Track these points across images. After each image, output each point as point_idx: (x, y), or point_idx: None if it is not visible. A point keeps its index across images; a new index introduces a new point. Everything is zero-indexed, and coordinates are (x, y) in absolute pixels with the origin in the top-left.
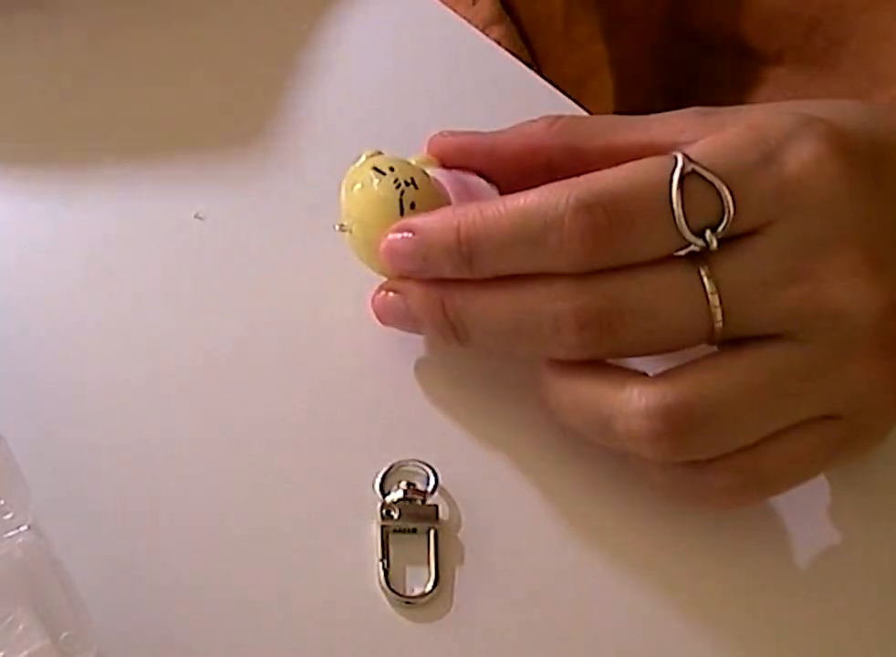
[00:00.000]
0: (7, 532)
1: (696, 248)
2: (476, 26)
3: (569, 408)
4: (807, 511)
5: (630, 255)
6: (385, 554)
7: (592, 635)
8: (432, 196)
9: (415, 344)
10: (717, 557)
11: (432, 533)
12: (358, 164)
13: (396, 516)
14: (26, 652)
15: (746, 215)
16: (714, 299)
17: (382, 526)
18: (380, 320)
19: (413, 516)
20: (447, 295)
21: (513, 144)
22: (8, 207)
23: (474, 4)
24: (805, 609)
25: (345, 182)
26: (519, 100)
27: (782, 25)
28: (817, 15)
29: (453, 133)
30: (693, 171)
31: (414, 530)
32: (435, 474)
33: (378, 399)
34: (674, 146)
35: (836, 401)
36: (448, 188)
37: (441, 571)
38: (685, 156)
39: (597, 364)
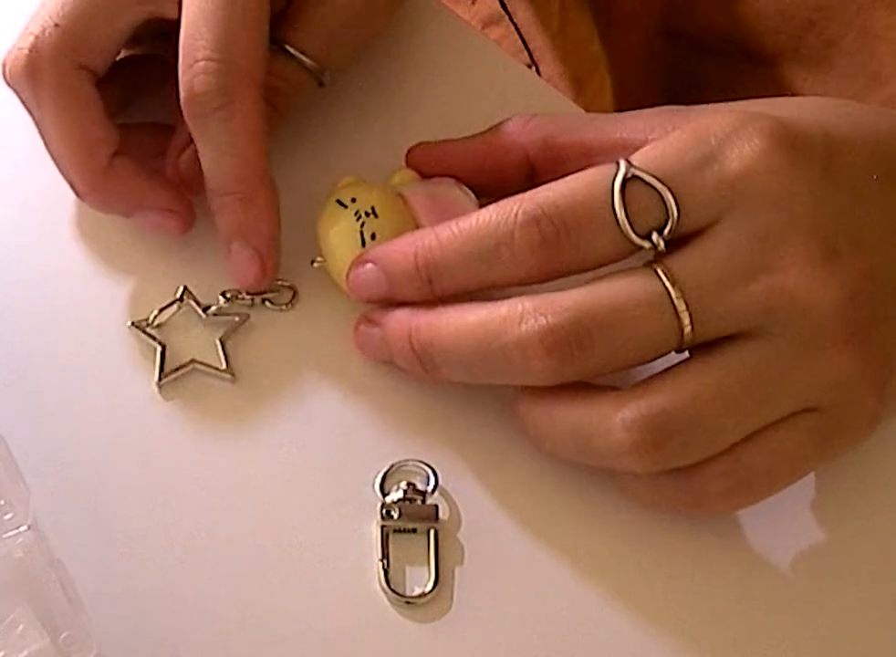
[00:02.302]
0: (7, 532)
1: (648, 253)
2: (475, 26)
3: (548, 434)
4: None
5: (582, 261)
6: (385, 554)
7: (592, 635)
8: (394, 222)
9: None
10: (717, 556)
11: (431, 533)
12: (328, 197)
13: (396, 515)
14: (25, 652)
15: (692, 215)
16: (680, 303)
17: (382, 526)
18: (361, 352)
19: (413, 516)
20: (414, 328)
21: (487, 144)
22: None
23: (473, 3)
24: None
25: (319, 216)
26: (519, 101)
27: (777, 25)
28: (812, 16)
29: (428, 144)
30: (634, 175)
31: (414, 530)
32: (435, 474)
33: (378, 399)
34: (644, 143)
35: (812, 392)
36: (420, 205)
37: (441, 571)
38: (627, 162)
39: (569, 386)
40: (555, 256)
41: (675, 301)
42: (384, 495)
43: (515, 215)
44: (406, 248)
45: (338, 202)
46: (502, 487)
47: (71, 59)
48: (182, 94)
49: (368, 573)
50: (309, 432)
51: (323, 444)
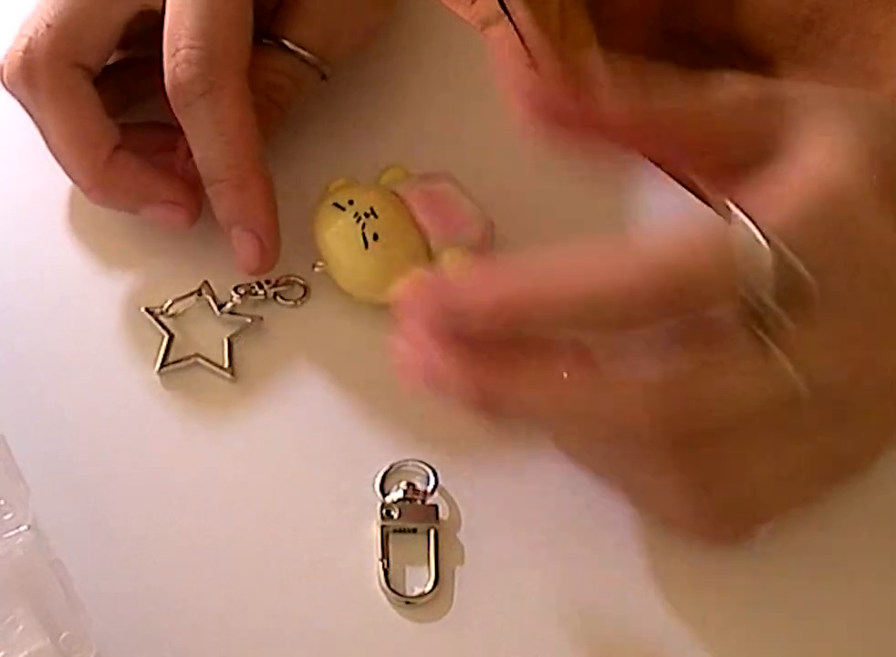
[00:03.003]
0: (7, 532)
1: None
2: (475, 26)
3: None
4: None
5: (688, 310)
6: (385, 554)
7: (592, 635)
8: (394, 221)
9: None
10: (721, 556)
11: (432, 533)
12: (322, 200)
13: (396, 515)
14: (25, 652)
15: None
16: (791, 373)
17: (382, 526)
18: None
19: (413, 516)
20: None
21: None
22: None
23: (472, 3)
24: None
25: (314, 219)
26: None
27: (776, 25)
28: (812, 16)
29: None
30: (774, 248)
31: (414, 530)
32: (435, 474)
33: (378, 399)
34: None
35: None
36: (416, 202)
37: (441, 571)
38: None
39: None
40: (663, 309)
41: (788, 375)
42: (384, 495)
43: (631, 262)
44: (501, 283)
45: (335, 204)
46: (502, 487)
47: (65, 58)
48: (166, 84)
49: (368, 573)
50: (309, 433)
51: (323, 445)
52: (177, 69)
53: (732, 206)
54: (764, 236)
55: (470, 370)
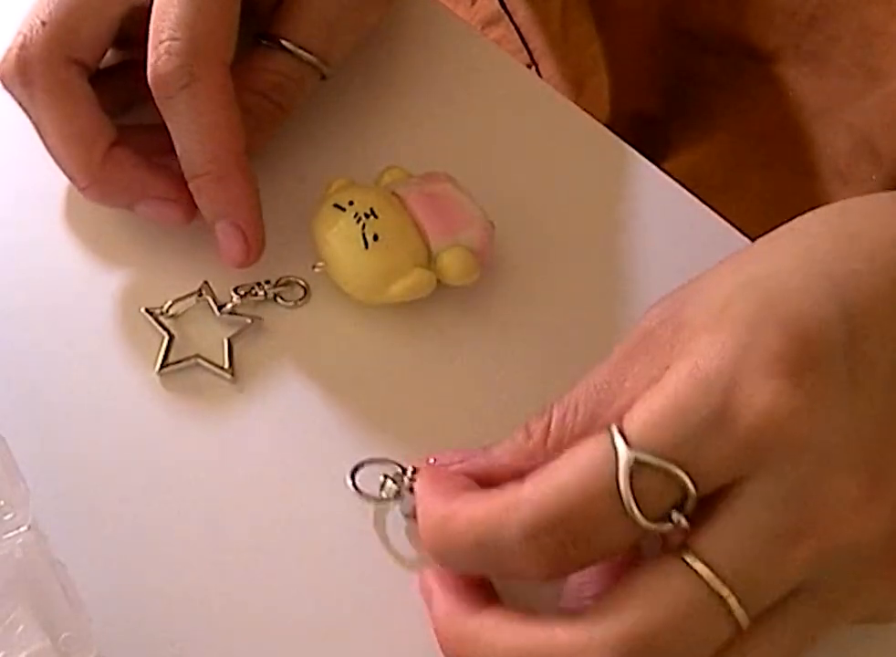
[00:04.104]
0: (7, 532)
1: (682, 527)
2: (475, 26)
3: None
4: None
5: (593, 559)
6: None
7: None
8: (394, 222)
9: (416, 345)
10: None
11: None
12: (322, 201)
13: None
14: (25, 653)
15: (710, 484)
16: (730, 599)
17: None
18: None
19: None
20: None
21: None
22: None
23: (472, 4)
24: None
25: (314, 220)
26: (518, 101)
27: (780, 21)
28: (815, 13)
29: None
30: (638, 461)
31: None
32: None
33: (378, 399)
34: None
35: (854, 618)
36: (416, 203)
37: None
38: (625, 441)
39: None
40: (562, 564)
41: (727, 599)
42: (385, 497)
43: (510, 529)
44: (422, 521)
45: (336, 205)
46: None
47: (60, 55)
48: (148, 76)
49: (369, 572)
50: (309, 433)
51: (323, 445)
52: (159, 61)
53: (610, 426)
54: (629, 448)
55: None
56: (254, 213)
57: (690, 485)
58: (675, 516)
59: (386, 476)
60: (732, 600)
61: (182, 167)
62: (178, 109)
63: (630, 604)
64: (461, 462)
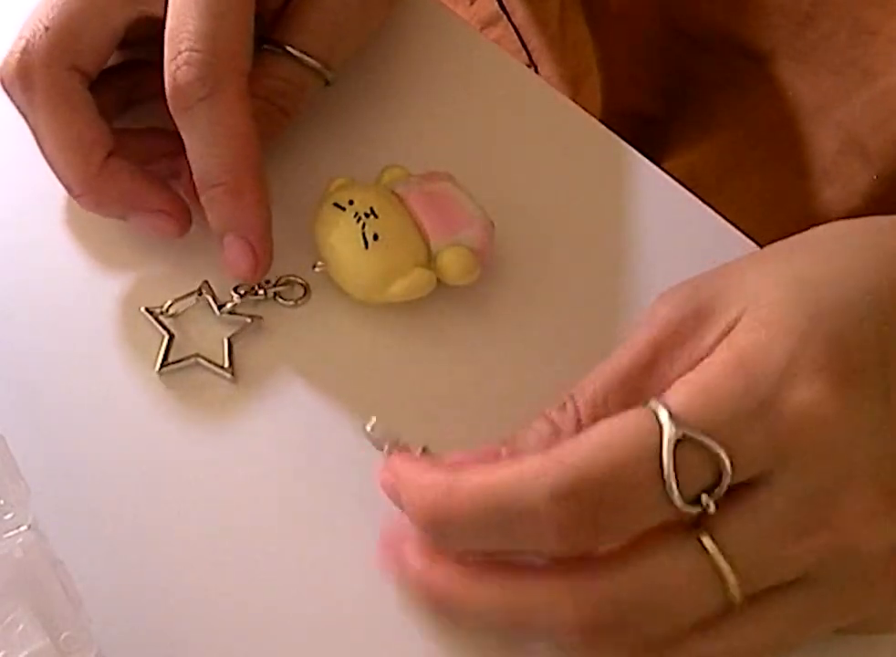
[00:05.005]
0: (7, 532)
1: (710, 512)
2: (475, 27)
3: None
4: None
5: (614, 538)
6: None
7: None
8: (394, 221)
9: (415, 348)
10: None
11: None
12: (322, 200)
13: None
14: (25, 652)
15: (744, 472)
16: (731, 577)
17: None
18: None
19: None
20: (432, 580)
21: None
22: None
23: (471, 4)
24: None
25: (314, 219)
26: (518, 100)
27: (776, 20)
28: (810, 11)
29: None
30: (684, 435)
31: None
32: None
33: (378, 398)
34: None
35: (848, 622)
36: (417, 202)
37: None
38: (672, 418)
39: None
40: (586, 535)
41: (727, 576)
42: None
43: (541, 488)
44: (419, 494)
45: (336, 204)
46: None
47: (62, 61)
48: (166, 87)
49: (370, 571)
50: (309, 433)
51: (323, 444)
52: (178, 72)
53: (651, 402)
54: (676, 424)
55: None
56: (265, 228)
57: (728, 468)
58: (705, 499)
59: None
60: (731, 576)
61: (196, 178)
62: (196, 121)
63: (632, 562)
64: (488, 461)
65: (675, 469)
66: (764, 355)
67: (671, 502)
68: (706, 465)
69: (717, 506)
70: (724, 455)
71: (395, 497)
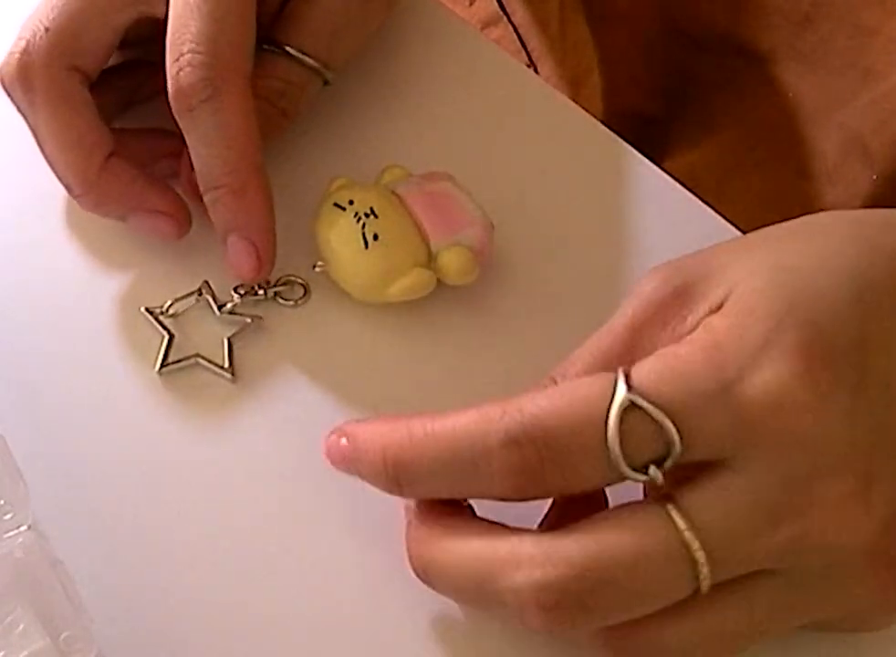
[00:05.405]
0: (7, 532)
1: (657, 483)
2: (475, 26)
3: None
4: None
5: (564, 488)
6: None
7: None
8: (394, 221)
9: (416, 349)
10: None
11: None
12: (322, 200)
13: None
14: (25, 652)
15: (700, 449)
16: (699, 554)
17: None
18: (330, 463)
19: None
20: (414, 542)
21: None
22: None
23: (471, 5)
24: None
25: (314, 219)
26: (518, 100)
27: (776, 21)
28: (809, 12)
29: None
30: (633, 403)
31: None
32: None
33: (378, 398)
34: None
35: (822, 617)
36: (416, 203)
37: None
38: (627, 382)
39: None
40: (535, 482)
41: (695, 553)
42: None
43: (496, 433)
44: (378, 439)
45: (336, 204)
46: None
47: (62, 62)
48: (168, 88)
49: (370, 571)
50: (309, 433)
51: (322, 446)
52: (181, 73)
53: (618, 371)
54: (629, 390)
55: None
56: (268, 229)
57: (677, 443)
58: (653, 470)
59: None
60: (700, 556)
61: (199, 179)
62: (199, 122)
63: (598, 528)
64: None
65: (620, 434)
66: (737, 339)
67: (616, 466)
68: (654, 438)
69: (666, 479)
70: (673, 431)
71: (343, 461)
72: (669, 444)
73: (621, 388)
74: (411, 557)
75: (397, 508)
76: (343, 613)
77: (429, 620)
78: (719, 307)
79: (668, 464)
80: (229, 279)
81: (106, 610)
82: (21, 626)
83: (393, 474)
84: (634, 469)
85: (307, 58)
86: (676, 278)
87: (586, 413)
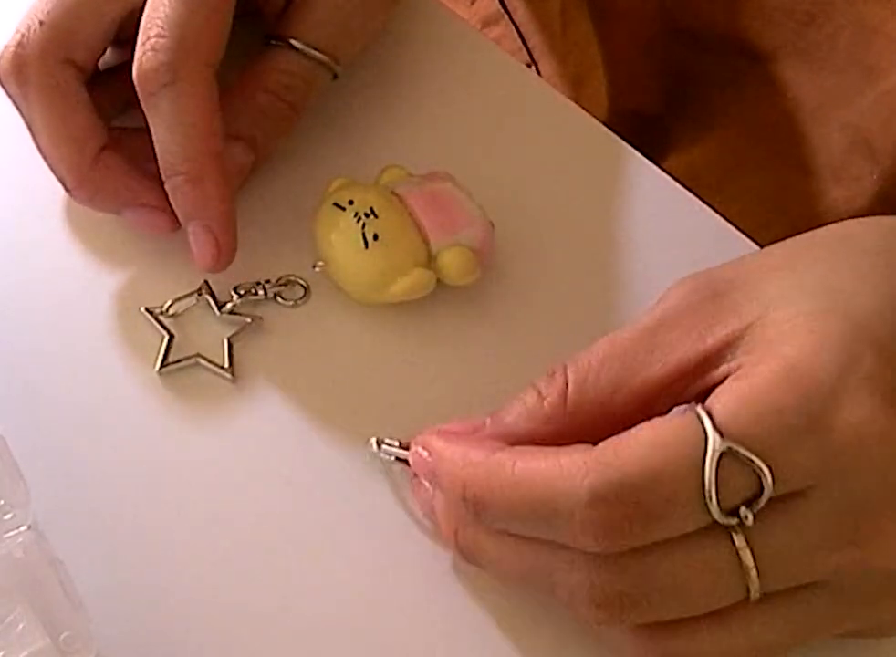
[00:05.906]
0: (7, 532)
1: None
2: (475, 26)
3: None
4: None
5: (646, 539)
6: None
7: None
8: (394, 221)
9: (415, 351)
10: None
11: None
12: (322, 200)
13: None
14: (25, 652)
15: (785, 485)
16: (752, 571)
17: None
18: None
19: None
20: (461, 527)
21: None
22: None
23: (472, 4)
24: None
25: (314, 219)
26: (518, 100)
27: (778, 20)
28: (812, 10)
29: (441, 432)
30: (729, 449)
31: None
32: None
33: (378, 399)
34: (699, 359)
35: (857, 627)
36: (417, 203)
37: None
38: (716, 429)
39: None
40: (619, 537)
41: (749, 571)
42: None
43: (580, 489)
44: (458, 472)
45: (336, 204)
46: None
47: (57, 55)
48: (133, 72)
49: (370, 571)
50: (309, 433)
51: (323, 445)
52: (143, 58)
53: (697, 409)
54: (720, 437)
55: (451, 516)
56: (226, 217)
57: (770, 483)
58: (744, 511)
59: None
60: (752, 572)
61: (160, 166)
62: (159, 107)
63: (644, 553)
64: (472, 432)
65: (717, 482)
66: (812, 367)
67: (708, 513)
68: (748, 479)
69: (755, 518)
70: (767, 472)
71: (428, 475)
72: (761, 486)
73: (713, 435)
74: (458, 538)
75: (397, 508)
76: (343, 613)
77: (430, 619)
78: (760, 324)
79: (761, 502)
80: (229, 279)
81: (106, 610)
82: (21, 626)
83: (473, 510)
84: (727, 514)
85: (315, 52)
86: (707, 289)
87: (676, 467)
